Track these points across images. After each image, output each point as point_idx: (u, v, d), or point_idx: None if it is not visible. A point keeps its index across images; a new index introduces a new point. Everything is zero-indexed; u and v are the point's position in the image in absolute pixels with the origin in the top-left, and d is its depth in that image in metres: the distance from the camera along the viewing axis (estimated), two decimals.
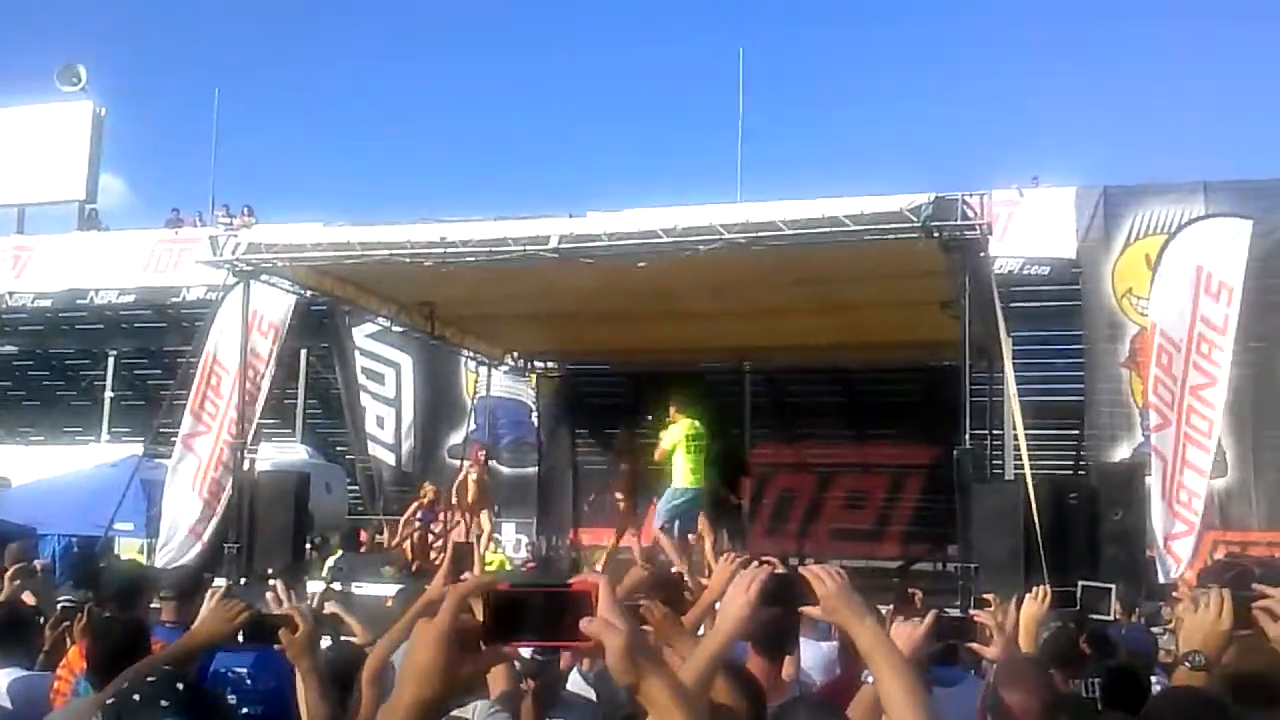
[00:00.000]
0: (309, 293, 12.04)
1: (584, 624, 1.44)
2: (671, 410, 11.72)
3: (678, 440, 11.51)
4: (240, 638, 3.12)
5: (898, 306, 11.65)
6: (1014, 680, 2.79)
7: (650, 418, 13.01)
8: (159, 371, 20.99)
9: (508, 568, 13.28)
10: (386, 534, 15.17)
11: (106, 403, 20.83)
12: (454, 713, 2.37)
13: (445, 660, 1.44)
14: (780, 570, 2.60)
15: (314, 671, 3.00)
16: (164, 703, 2.16)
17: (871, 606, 2.39)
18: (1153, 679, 5.51)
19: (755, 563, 2.53)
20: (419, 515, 14.09)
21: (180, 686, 2.23)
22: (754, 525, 14.94)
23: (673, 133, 63.61)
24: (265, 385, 12.05)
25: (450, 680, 1.45)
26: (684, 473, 11.47)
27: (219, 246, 10.89)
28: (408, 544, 13.79)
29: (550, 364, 16.96)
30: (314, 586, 9.41)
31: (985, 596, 5.70)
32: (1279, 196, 14.21)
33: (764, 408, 16.03)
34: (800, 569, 2.52)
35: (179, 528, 12.31)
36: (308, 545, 11.59)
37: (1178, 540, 10.85)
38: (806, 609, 2.40)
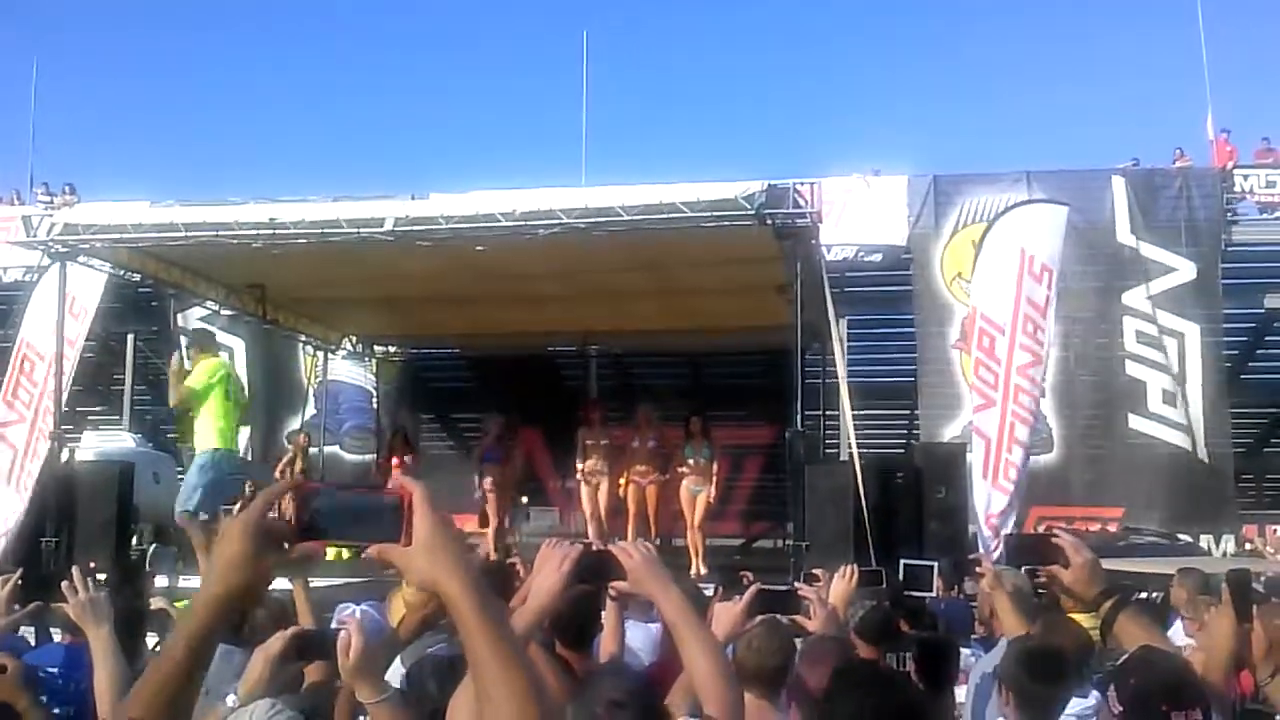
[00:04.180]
0: (129, 275, 11.47)
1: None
2: (192, 351, 9.99)
3: (209, 383, 9.26)
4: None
5: (736, 291, 11.86)
6: (813, 657, 2.88)
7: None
8: None
9: (344, 557, 12.96)
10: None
11: None
12: (234, 714, 2.30)
13: (251, 552, 1.46)
14: (592, 548, 2.64)
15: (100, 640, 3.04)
16: None
17: (677, 578, 2.50)
18: (966, 651, 5.81)
19: (569, 542, 2.57)
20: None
21: None
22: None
23: (523, 115, 63.17)
24: (70, 370, 11.39)
25: (256, 572, 1.47)
26: (214, 430, 9.32)
27: (33, 227, 10.34)
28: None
29: (391, 348, 16.70)
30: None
31: (814, 572, 5.85)
32: (1095, 186, 15.03)
33: (610, 390, 16.10)
34: (610, 546, 2.58)
35: None
36: (133, 538, 11.07)
37: (999, 516, 11.37)
38: (615, 583, 2.50)
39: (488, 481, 12.54)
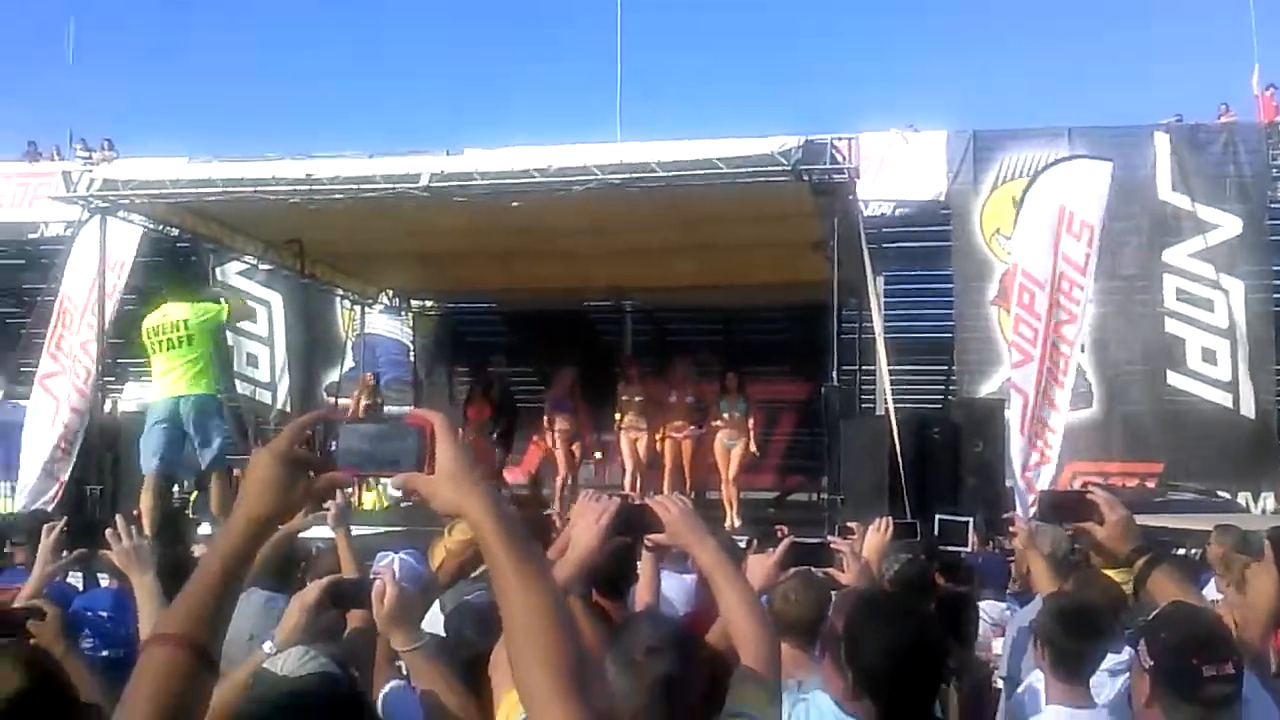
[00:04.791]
0: (168, 230, 11.57)
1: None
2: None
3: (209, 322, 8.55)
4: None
5: (772, 247, 11.81)
6: (842, 608, 2.91)
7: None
8: (18, 310, 20.13)
9: (384, 505, 13.15)
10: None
11: None
12: (269, 659, 2.36)
13: (280, 479, 1.51)
14: (630, 501, 2.69)
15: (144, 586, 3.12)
16: None
17: (713, 530, 2.56)
18: (1001, 605, 5.83)
19: (606, 495, 2.61)
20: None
21: None
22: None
23: (559, 70, 62.75)
24: (105, 321, 11.52)
25: (284, 498, 1.52)
26: (216, 373, 8.84)
27: (73, 183, 10.46)
28: None
29: (428, 302, 16.80)
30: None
31: (849, 525, 5.88)
32: (1136, 143, 14.78)
33: (645, 346, 16.13)
34: (647, 499, 2.63)
35: (38, 471, 11.92)
36: (175, 486, 11.28)
37: (1036, 471, 11.34)
38: (653, 535, 2.57)
39: (558, 433, 12.51)
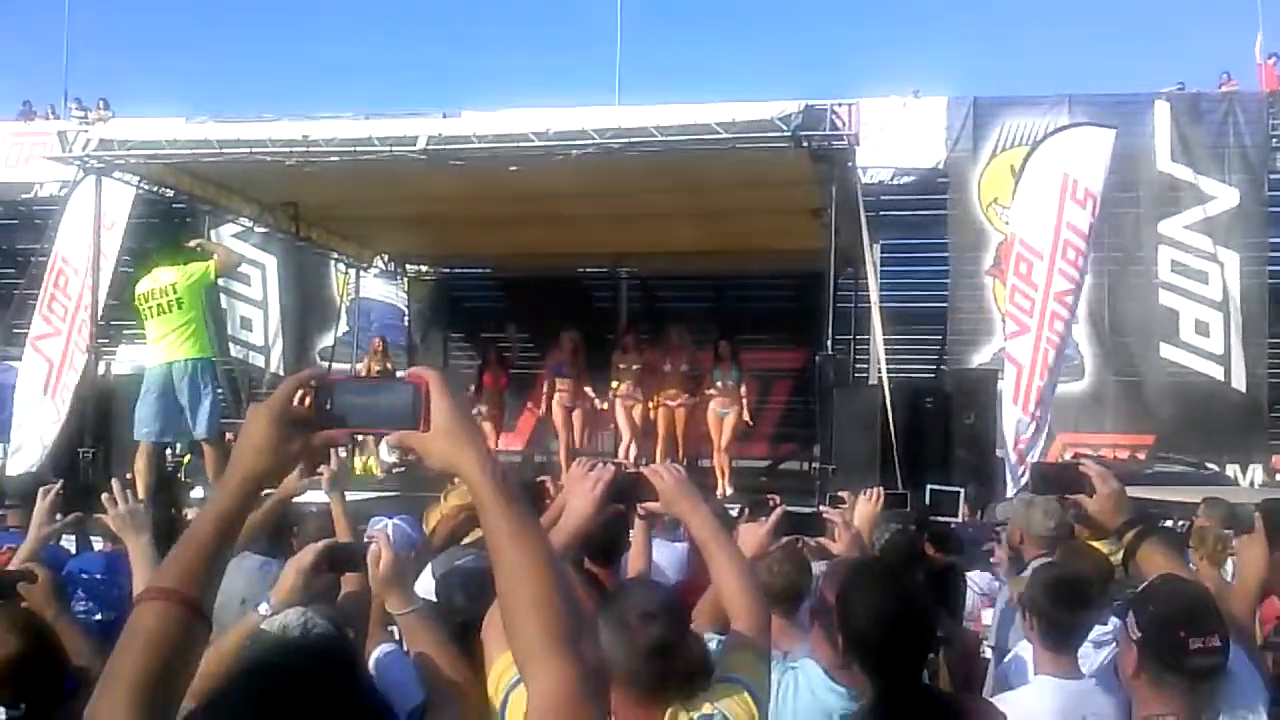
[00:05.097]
0: (163, 191, 11.51)
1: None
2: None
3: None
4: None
5: (770, 214, 11.76)
6: (832, 577, 2.93)
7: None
8: (12, 270, 20.03)
9: (376, 473, 13.16)
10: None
11: None
12: (266, 621, 2.38)
13: (274, 437, 1.51)
14: (624, 469, 2.70)
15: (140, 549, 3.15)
16: None
17: (706, 498, 2.61)
18: (989, 576, 5.86)
19: (600, 462, 2.63)
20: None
21: None
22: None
23: (558, 30, 62.27)
24: (105, 283, 11.50)
25: (278, 457, 1.53)
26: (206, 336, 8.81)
27: (68, 143, 10.39)
28: None
29: (423, 267, 16.75)
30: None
31: (840, 494, 5.91)
32: (1138, 111, 14.70)
33: (640, 314, 16.12)
34: (641, 468, 2.64)
35: (30, 433, 11.91)
36: (168, 451, 11.28)
37: (1027, 443, 11.36)
38: (647, 504, 2.63)
39: (559, 397, 12.36)
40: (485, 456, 1.51)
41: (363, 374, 13.35)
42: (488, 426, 12.57)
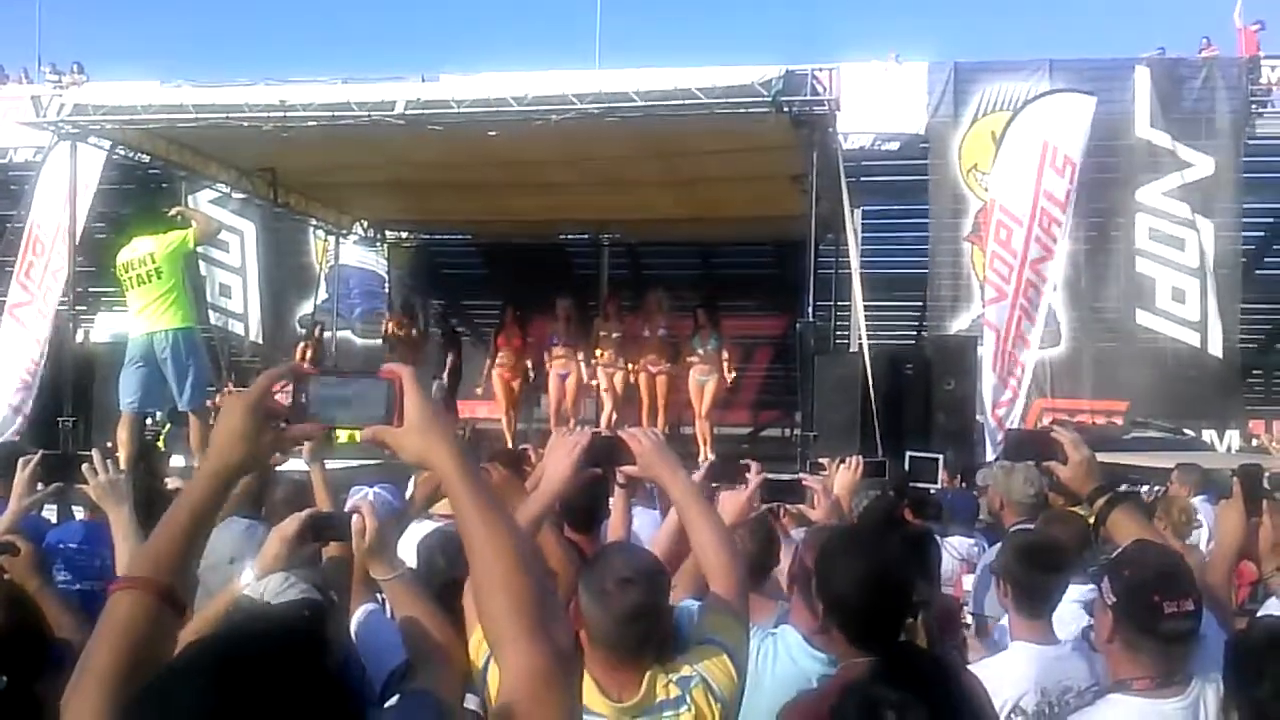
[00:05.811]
0: (139, 156, 11.38)
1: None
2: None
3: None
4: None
5: (750, 180, 11.75)
6: (812, 544, 2.95)
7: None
8: None
9: (356, 439, 13.07)
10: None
11: None
12: (250, 586, 2.38)
13: (249, 428, 1.53)
14: (602, 434, 2.71)
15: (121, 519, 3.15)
16: None
17: (684, 463, 2.60)
18: (969, 541, 5.92)
19: (580, 428, 2.64)
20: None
21: None
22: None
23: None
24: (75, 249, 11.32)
25: (253, 447, 1.54)
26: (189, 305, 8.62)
27: (42, 107, 10.28)
28: None
29: (403, 233, 16.65)
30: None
31: (820, 461, 5.93)
32: (1118, 76, 14.70)
33: (621, 280, 16.10)
34: (619, 431, 2.65)
35: (5, 402, 11.82)
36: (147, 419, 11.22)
37: (1005, 409, 11.45)
38: (625, 468, 2.63)
39: (556, 365, 12.30)
40: (456, 451, 1.54)
41: (390, 329, 13.48)
42: (510, 386, 12.61)
